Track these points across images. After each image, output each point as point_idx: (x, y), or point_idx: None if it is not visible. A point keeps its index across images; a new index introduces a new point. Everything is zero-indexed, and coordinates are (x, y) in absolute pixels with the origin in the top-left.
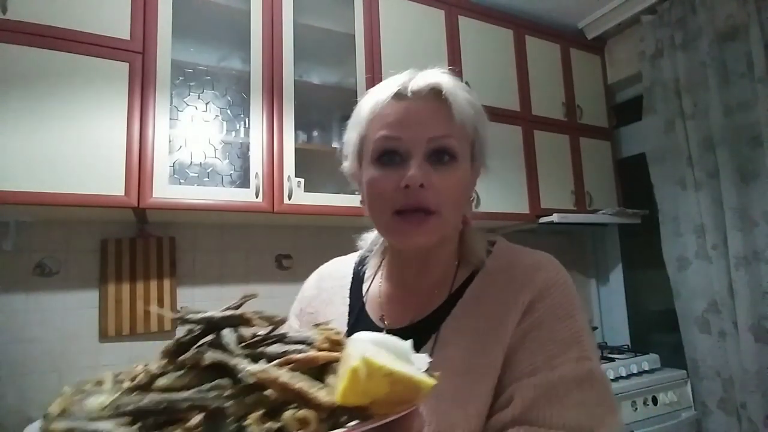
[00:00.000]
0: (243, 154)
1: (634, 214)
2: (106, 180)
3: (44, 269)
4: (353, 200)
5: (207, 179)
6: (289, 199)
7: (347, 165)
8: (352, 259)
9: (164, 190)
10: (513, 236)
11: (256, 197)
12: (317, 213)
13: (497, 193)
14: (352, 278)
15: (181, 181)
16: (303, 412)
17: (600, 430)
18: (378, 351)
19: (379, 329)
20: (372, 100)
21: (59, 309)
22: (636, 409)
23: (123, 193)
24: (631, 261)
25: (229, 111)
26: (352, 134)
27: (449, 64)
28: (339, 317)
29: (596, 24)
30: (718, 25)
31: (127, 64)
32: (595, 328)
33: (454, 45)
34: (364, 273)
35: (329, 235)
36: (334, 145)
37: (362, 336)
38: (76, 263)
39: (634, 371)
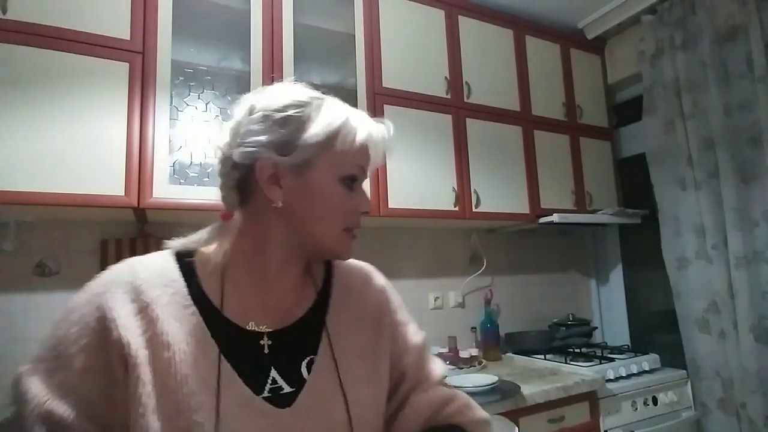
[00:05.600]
0: None
1: (634, 214)
2: (106, 180)
3: (44, 269)
4: None
5: (207, 179)
6: None
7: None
8: (163, 263)
9: (164, 190)
10: (513, 236)
11: None
12: None
13: (497, 193)
14: (186, 284)
15: (181, 181)
16: None
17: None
18: None
19: (248, 332)
20: (366, 131)
21: (59, 309)
22: (636, 409)
23: (123, 193)
24: (631, 261)
25: (229, 111)
26: (324, 134)
27: (449, 64)
28: (193, 326)
29: (596, 24)
30: (718, 25)
31: (127, 64)
32: (595, 328)
33: (454, 45)
34: (196, 279)
35: None
36: None
37: None
38: (76, 263)
39: (634, 371)
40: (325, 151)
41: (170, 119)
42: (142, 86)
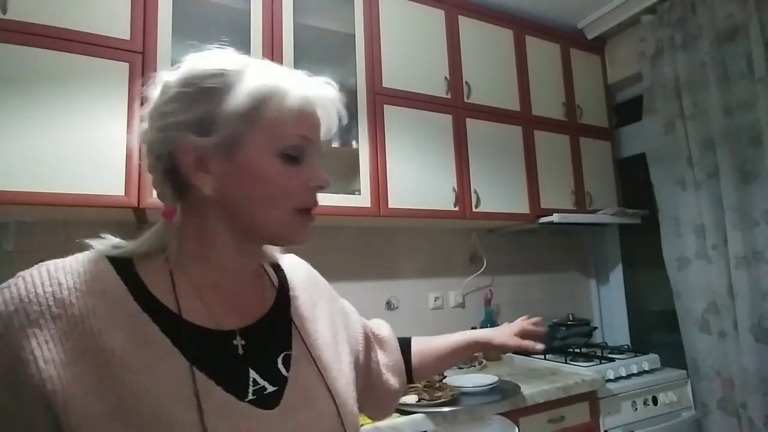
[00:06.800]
0: None
1: (634, 214)
2: (106, 180)
3: None
4: (353, 200)
5: None
6: None
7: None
8: (94, 266)
9: None
10: (513, 236)
11: None
12: (317, 213)
13: (497, 193)
14: (129, 290)
15: None
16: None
17: None
18: None
19: (217, 333)
20: (301, 94)
21: None
22: (636, 409)
23: (123, 193)
24: (631, 261)
25: None
26: (249, 103)
27: (449, 64)
28: (148, 336)
29: (596, 24)
30: (718, 25)
31: (127, 64)
32: (594, 328)
33: (454, 45)
34: (140, 282)
35: (329, 235)
36: (334, 145)
37: None
38: None
39: (634, 371)
40: (254, 123)
41: None
42: (142, 86)
